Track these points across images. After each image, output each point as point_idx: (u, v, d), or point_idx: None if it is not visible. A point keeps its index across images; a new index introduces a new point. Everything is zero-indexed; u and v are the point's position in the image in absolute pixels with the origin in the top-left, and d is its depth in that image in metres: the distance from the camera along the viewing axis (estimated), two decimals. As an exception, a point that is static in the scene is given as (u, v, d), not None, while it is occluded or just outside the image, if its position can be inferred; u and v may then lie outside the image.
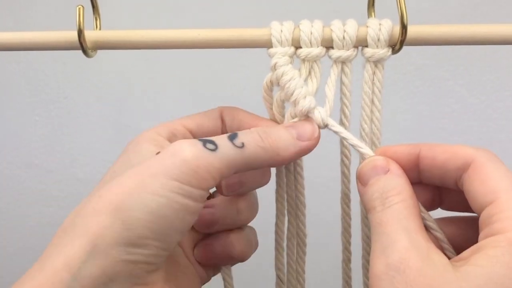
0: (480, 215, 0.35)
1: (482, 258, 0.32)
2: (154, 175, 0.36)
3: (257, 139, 0.40)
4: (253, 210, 0.47)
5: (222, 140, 0.39)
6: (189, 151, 0.37)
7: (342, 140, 0.44)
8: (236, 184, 0.44)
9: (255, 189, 0.47)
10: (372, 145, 0.44)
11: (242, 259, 0.47)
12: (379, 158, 0.40)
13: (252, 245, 0.47)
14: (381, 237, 0.35)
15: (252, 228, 0.48)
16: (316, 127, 0.42)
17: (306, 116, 0.42)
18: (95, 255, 0.35)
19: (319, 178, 0.87)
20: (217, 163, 0.37)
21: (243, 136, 0.39)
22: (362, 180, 0.40)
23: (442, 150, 0.39)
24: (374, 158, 0.40)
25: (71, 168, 0.92)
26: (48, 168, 0.92)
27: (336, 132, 0.42)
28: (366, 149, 0.41)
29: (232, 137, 0.39)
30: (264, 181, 0.46)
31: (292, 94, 0.41)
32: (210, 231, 0.46)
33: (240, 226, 0.47)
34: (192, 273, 0.46)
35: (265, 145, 0.40)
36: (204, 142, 0.38)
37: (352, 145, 0.42)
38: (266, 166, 0.42)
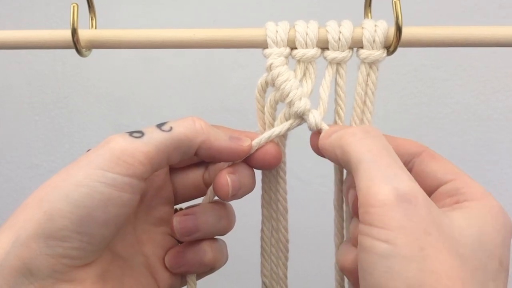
0: (441, 187, 0.38)
1: (468, 214, 0.35)
2: (80, 167, 0.37)
3: (188, 122, 0.40)
4: (232, 219, 0.47)
5: (149, 128, 0.40)
6: (115, 141, 0.38)
7: None
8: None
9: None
10: None
11: (213, 267, 0.46)
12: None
13: (224, 255, 0.47)
14: (378, 164, 0.35)
15: (224, 241, 0.48)
16: (249, 145, 0.43)
17: (301, 118, 0.42)
18: (16, 246, 0.36)
19: (319, 178, 0.87)
20: (142, 147, 0.38)
21: (173, 123, 0.40)
22: (327, 135, 0.41)
23: (394, 138, 0.41)
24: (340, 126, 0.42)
25: (71, 168, 0.92)
26: (48, 168, 0.92)
27: None
28: None
29: (160, 125, 0.40)
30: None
31: (287, 95, 0.41)
32: (191, 239, 0.45)
33: (219, 235, 0.46)
34: (149, 282, 0.45)
35: (195, 127, 0.40)
36: (132, 132, 0.39)
37: None
38: (199, 148, 0.41)
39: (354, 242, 0.39)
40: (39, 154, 0.92)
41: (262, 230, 0.48)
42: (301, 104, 0.41)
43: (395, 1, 0.41)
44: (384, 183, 0.33)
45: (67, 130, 0.91)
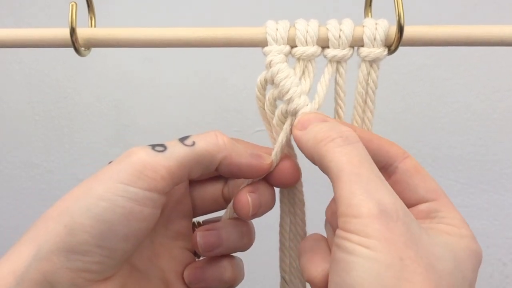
0: (421, 204, 0.39)
1: (446, 239, 0.36)
2: (101, 180, 0.37)
3: (211, 137, 0.40)
4: (253, 235, 0.47)
5: (172, 142, 0.39)
6: (137, 155, 0.38)
7: None
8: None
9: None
10: None
11: (231, 285, 0.46)
12: (322, 113, 0.41)
13: (242, 273, 0.47)
14: (360, 177, 0.34)
15: (241, 259, 0.48)
16: (270, 163, 0.43)
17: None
18: (37, 260, 0.35)
19: (319, 178, 0.86)
20: (164, 161, 0.38)
21: (196, 137, 0.40)
22: (301, 125, 0.40)
23: (377, 138, 0.41)
24: (317, 112, 0.41)
25: (71, 168, 0.92)
26: (48, 168, 0.92)
27: None
28: None
29: (183, 139, 0.40)
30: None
31: (287, 92, 0.41)
32: (212, 254, 0.45)
33: (239, 251, 0.46)
34: None
35: (218, 142, 0.40)
36: (154, 146, 0.38)
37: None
38: (220, 164, 0.41)
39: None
40: (39, 154, 0.92)
41: (280, 225, 0.48)
42: (301, 101, 0.41)
43: (397, 0, 0.41)
44: (366, 196, 0.33)
45: (67, 130, 0.91)
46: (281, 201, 0.47)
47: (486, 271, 0.87)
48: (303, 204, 0.47)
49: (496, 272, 0.87)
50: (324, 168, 0.37)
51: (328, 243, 0.42)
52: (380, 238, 0.32)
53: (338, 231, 0.34)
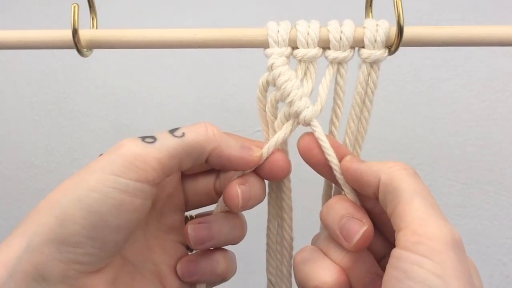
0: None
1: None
2: (92, 172, 0.37)
3: (201, 129, 0.40)
4: (245, 228, 0.47)
5: (162, 133, 0.39)
6: (127, 146, 0.38)
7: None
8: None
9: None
10: (356, 143, 0.45)
11: (224, 278, 0.46)
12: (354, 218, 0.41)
13: (234, 266, 0.47)
14: (432, 205, 0.35)
15: (233, 253, 0.48)
16: (259, 156, 0.43)
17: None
18: (28, 252, 0.35)
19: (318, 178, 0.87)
20: (155, 153, 0.38)
21: (186, 129, 0.40)
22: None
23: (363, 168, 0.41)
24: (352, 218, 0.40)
25: (71, 168, 0.92)
26: (48, 168, 0.92)
27: (314, 131, 0.42)
28: (334, 159, 0.42)
29: (173, 130, 0.40)
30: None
31: (288, 95, 0.42)
32: (204, 247, 0.45)
33: (231, 244, 0.47)
34: None
35: (208, 133, 0.40)
36: (144, 137, 0.39)
37: (324, 150, 0.42)
38: (210, 156, 0.41)
39: (333, 259, 0.40)
40: (39, 154, 0.92)
41: (268, 228, 0.48)
42: (301, 104, 0.41)
43: (396, 1, 0.41)
44: (442, 223, 0.34)
45: (67, 130, 0.90)
46: (269, 204, 0.48)
47: (486, 271, 0.87)
48: (291, 210, 0.47)
49: (496, 272, 0.87)
50: (389, 189, 0.37)
51: (322, 251, 0.42)
52: (452, 268, 0.32)
53: (404, 253, 0.34)
